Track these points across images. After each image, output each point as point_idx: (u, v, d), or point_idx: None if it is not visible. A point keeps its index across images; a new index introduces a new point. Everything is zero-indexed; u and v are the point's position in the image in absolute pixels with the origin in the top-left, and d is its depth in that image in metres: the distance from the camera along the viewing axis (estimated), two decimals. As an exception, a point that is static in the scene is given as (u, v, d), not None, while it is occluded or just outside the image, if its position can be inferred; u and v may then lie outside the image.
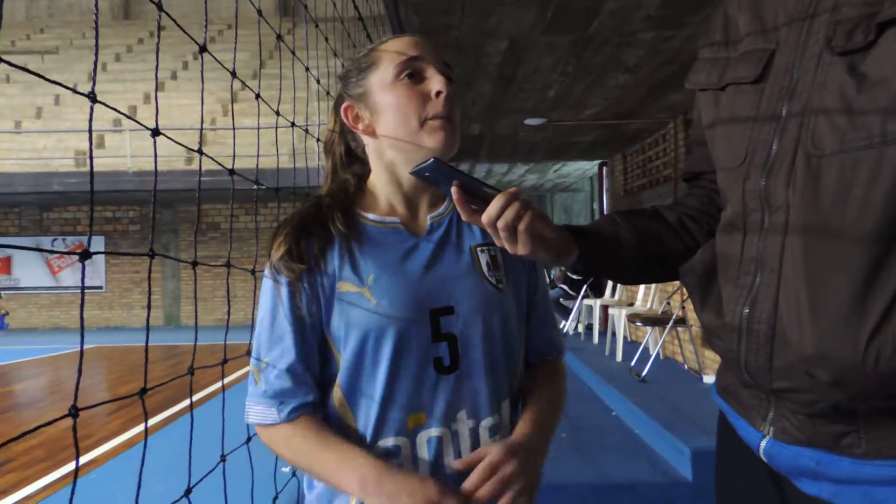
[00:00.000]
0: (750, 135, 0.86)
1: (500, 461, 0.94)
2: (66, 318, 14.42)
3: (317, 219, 1.00)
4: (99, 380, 7.93)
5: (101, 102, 0.67)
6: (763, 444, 0.89)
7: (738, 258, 0.86)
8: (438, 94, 0.99)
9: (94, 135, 13.08)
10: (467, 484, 0.94)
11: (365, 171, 1.09)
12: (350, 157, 1.11)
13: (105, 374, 8.00)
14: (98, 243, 14.41)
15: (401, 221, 1.03)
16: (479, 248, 1.04)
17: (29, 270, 14.13)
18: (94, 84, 0.69)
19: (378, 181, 1.06)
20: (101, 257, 14.36)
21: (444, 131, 0.98)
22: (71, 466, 4.16)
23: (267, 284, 1.00)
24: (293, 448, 0.97)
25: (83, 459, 4.29)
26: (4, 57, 0.62)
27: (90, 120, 0.67)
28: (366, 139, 1.05)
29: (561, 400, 1.13)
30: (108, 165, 12.27)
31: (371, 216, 1.03)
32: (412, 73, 1.00)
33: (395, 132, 1.00)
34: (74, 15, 18.81)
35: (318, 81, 1.90)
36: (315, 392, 0.99)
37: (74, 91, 0.69)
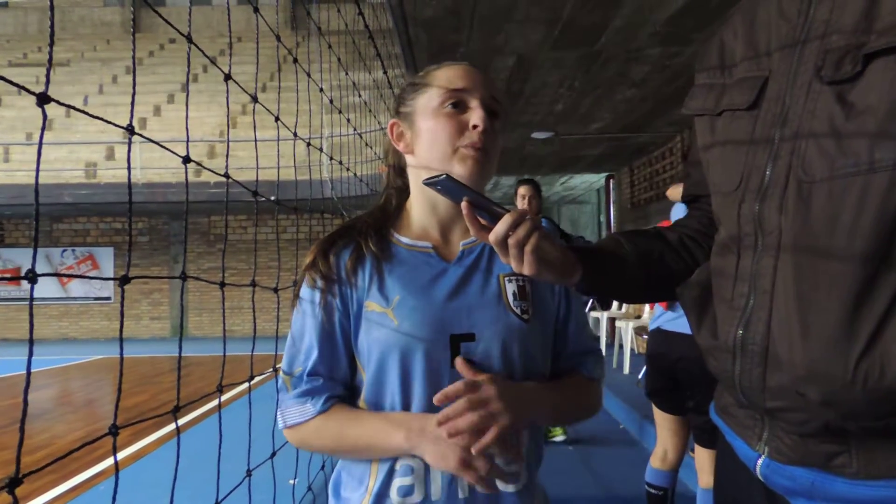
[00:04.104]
0: (745, 160, 0.88)
1: (484, 394, 0.93)
2: (74, 328, 14.48)
3: (350, 236, 1.05)
4: (107, 391, 7.98)
5: (139, 134, 0.71)
6: (759, 463, 0.90)
7: (732, 280, 0.89)
8: (475, 126, 1.00)
9: (104, 147, 13.21)
10: (445, 413, 0.92)
11: (406, 187, 1.11)
12: (402, 165, 1.12)
13: (114, 386, 8.03)
14: (107, 254, 14.48)
15: (432, 246, 1.05)
16: (506, 278, 1.05)
17: (39, 281, 14.18)
18: (131, 117, 0.72)
19: (415, 202, 1.08)
20: (110, 267, 14.44)
21: (473, 161, 1.00)
22: (80, 479, 4.19)
23: (300, 296, 1.04)
24: (330, 432, 1.00)
25: (92, 471, 4.32)
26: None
27: (128, 152, 0.71)
28: (407, 157, 1.08)
29: (578, 393, 1.10)
30: (119, 177, 12.39)
31: (404, 239, 1.06)
32: (456, 103, 1.02)
33: (429, 156, 1.02)
34: (86, 28, 19.03)
35: (332, 102, 1.95)
36: (343, 390, 1.03)
37: (112, 123, 0.72)
